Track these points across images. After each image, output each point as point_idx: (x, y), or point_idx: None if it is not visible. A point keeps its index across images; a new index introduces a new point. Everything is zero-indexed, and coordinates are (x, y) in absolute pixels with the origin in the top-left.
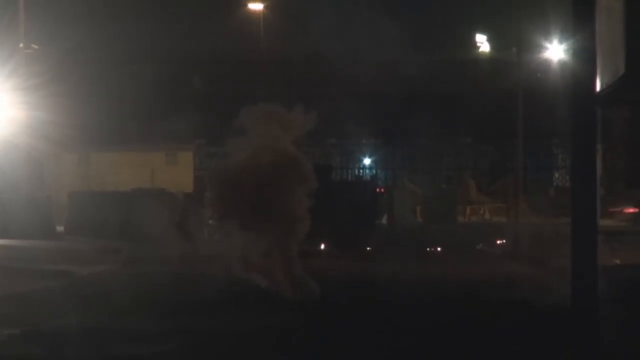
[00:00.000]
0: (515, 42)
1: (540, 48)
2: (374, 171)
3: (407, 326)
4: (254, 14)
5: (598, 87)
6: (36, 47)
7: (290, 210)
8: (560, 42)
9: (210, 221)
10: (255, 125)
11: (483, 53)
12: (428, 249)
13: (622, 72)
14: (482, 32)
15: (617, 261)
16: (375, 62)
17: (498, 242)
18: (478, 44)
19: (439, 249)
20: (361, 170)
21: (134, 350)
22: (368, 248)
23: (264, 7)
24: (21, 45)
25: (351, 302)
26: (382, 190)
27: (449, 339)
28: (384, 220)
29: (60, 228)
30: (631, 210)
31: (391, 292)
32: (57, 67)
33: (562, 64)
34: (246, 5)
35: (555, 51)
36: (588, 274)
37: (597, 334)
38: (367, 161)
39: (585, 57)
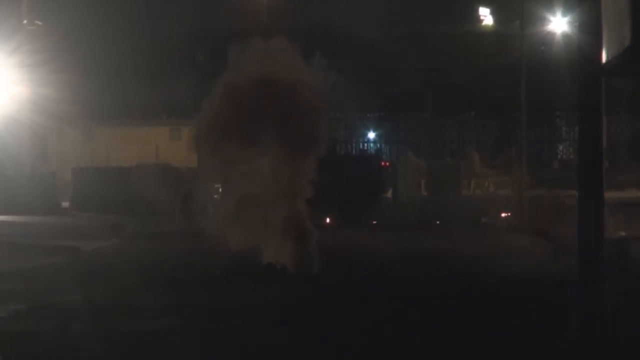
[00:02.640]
0: (518, 15)
1: (544, 21)
2: (378, 145)
3: (409, 300)
4: None
5: (604, 59)
6: (40, 23)
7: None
8: (564, 14)
9: (215, 196)
10: (250, 61)
11: (486, 26)
12: (433, 222)
13: (628, 43)
14: (485, 5)
15: (622, 233)
16: (379, 36)
17: (503, 214)
18: (481, 17)
19: (444, 222)
20: (366, 144)
21: (139, 325)
22: (373, 221)
23: None
24: (25, 22)
25: (354, 275)
26: (387, 164)
27: (451, 312)
28: (389, 194)
29: (65, 204)
30: None
31: (394, 266)
32: (61, 44)
33: (565, 36)
34: None
35: (559, 24)
36: (594, 245)
37: (602, 305)
38: (371, 135)
39: (590, 29)
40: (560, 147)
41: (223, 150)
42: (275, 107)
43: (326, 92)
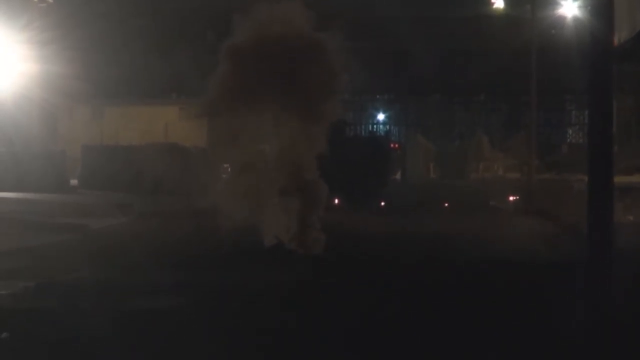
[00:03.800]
0: None
1: (555, 4)
2: (387, 127)
3: (414, 283)
4: None
5: (615, 43)
6: (51, 0)
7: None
8: None
9: (224, 175)
10: (260, 21)
11: (497, 9)
12: (440, 204)
13: (639, 28)
14: None
15: (630, 218)
16: (389, 18)
17: (511, 198)
18: (492, 1)
19: (452, 204)
20: (375, 126)
21: (146, 304)
22: (381, 203)
23: None
24: None
25: (362, 257)
26: (396, 146)
27: (457, 295)
28: (398, 176)
29: (73, 181)
30: None
31: (402, 249)
32: (71, 21)
33: (576, 20)
34: None
35: (570, 7)
36: (603, 231)
37: (610, 290)
38: (381, 117)
39: (601, 13)
40: (570, 131)
41: (232, 117)
42: (286, 66)
43: (341, 57)
